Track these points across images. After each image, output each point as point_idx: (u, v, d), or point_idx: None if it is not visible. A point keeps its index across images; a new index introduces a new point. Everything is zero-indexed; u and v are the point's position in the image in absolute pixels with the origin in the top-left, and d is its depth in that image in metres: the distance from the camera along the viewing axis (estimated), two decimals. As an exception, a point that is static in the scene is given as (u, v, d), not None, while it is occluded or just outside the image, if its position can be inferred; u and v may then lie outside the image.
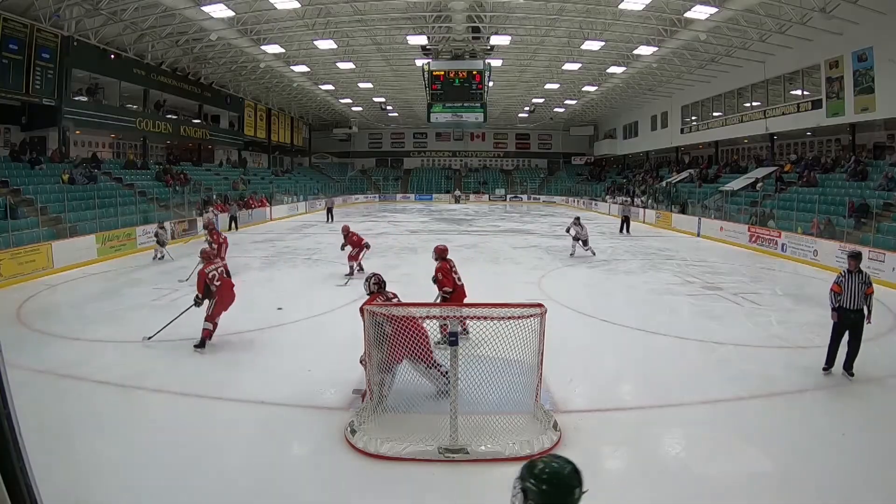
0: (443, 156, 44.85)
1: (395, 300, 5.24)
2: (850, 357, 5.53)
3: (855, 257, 5.69)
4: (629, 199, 21.55)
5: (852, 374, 5.51)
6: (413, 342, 4.38)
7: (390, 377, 4.60)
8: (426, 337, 4.51)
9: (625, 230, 19.77)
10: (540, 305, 4.80)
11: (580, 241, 13.80)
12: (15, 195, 13.71)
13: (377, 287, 5.34)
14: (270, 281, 10.98)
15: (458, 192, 39.61)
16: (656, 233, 20.77)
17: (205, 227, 13.25)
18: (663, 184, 27.80)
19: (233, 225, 20.04)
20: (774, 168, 20.96)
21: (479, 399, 4.41)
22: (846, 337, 5.54)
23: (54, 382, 5.47)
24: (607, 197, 31.87)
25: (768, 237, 15.34)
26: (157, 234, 13.68)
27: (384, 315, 4.28)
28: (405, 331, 4.35)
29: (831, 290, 5.64)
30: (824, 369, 5.66)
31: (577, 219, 14.18)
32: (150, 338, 6.77)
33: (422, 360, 4.55)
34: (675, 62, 21.75)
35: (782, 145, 23.30)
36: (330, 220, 24.50)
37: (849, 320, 5.50)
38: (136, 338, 7.05)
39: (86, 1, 15.09)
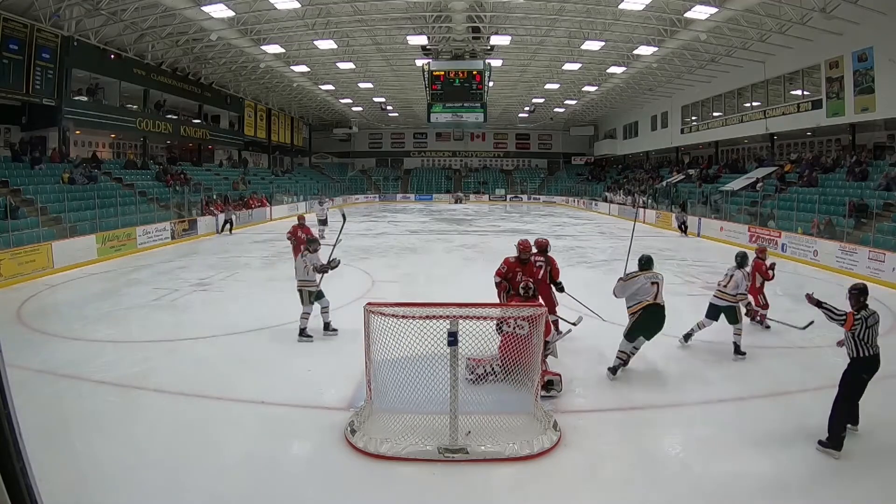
0: (443, 156, 44.83)
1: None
2: None
3: None
4: (682, 208, 21.04)
5: None
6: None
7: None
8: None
9: (684, 232, 20.05)
10: (540, 305, 4.81)
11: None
12: (15, 195, 13.71)
13: (524, 293, 5.63)
14: (270, 281, 10.96)
15: (459, 194, 39.42)
16: (657, 233, 20.75)
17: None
18: (663, 184, 27.82)
19: (226, 227, 19.33)
20: (774, 168, 20.96)
21: (479, 399, 4.42)
22: None
23: (54, 382, 5.46)
24: (607, 194, 31.72)
25: (768, 237, 15.34)
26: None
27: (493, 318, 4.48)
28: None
29: None
30: None
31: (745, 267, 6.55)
32: None
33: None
34: (675, 62, 21.74)
35: (782, 145, 23.30)
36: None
37: None
38: (136, 338, 7.06)
39: (86, 1, 15.09)
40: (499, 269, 6.52)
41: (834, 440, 4.10)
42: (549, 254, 7.05)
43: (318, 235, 15.12)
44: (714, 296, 6.57)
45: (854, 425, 4.37)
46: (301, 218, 11.62)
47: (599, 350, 6.60)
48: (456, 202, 37.84)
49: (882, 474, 3.88)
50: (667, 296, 9.48)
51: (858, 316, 4.18)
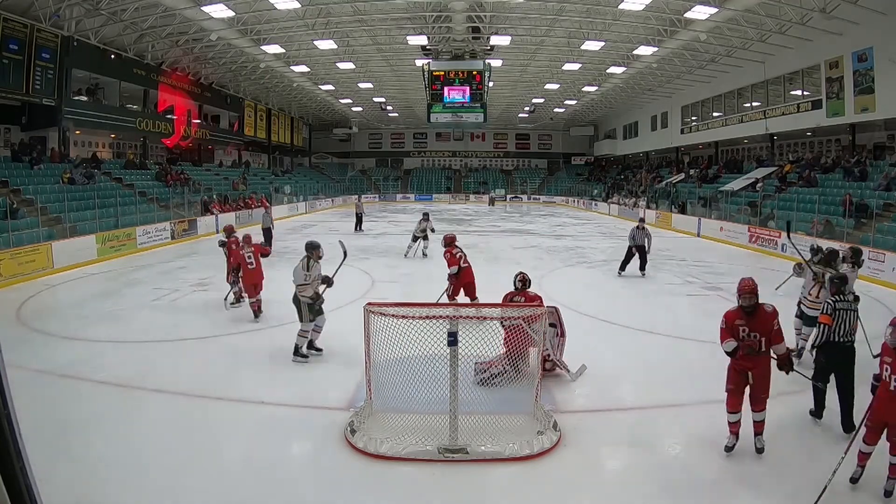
0: (443, 156, 44.84)
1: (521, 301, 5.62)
2: None
3: None
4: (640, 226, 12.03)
5: None
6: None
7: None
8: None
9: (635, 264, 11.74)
10: (540, 304, 4.81)
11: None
12: (15, 195, 13.71)
13: (521, 285, 5.76)
14: (270, 281, 10.92)
15: (493, 194, 37.63)
16: (656, 233, 20.70)
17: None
18: (663, 184, 27.82)
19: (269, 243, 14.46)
20: (774, 168, 20.96)
21: (479, 399, 4.42)
22: None
23: (54, 382, 5.46)
24: (612, 196, 31.45)
25: (768, 237, 15.34)
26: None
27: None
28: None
29: None
30: None
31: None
32: None
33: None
34: (675, 62, 21.74)
35: (782, 145, 23.30)
36: (359, 228, 19.73)
37: None
38: (136, 338, 7.06)
39: (86, 1, 15.09)
40: (722, 329, 4.22)
41: (816, 409, 4.73)
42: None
43: (421, 252, 13.79)
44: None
45: (847, 433, 4.24)
46: (229, 229, 9.17)
47: (598, 349, 6.61)
48: (490, 203, 36.32)
49: (883, 475, 3.87)
50: (666, 296, 9.54)
51: (829, 300, 4.57)
